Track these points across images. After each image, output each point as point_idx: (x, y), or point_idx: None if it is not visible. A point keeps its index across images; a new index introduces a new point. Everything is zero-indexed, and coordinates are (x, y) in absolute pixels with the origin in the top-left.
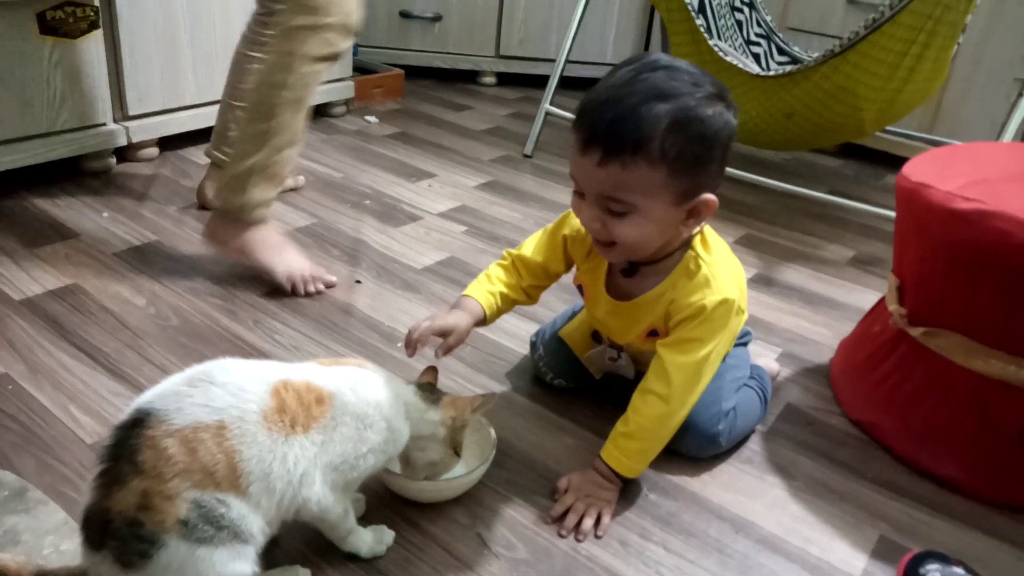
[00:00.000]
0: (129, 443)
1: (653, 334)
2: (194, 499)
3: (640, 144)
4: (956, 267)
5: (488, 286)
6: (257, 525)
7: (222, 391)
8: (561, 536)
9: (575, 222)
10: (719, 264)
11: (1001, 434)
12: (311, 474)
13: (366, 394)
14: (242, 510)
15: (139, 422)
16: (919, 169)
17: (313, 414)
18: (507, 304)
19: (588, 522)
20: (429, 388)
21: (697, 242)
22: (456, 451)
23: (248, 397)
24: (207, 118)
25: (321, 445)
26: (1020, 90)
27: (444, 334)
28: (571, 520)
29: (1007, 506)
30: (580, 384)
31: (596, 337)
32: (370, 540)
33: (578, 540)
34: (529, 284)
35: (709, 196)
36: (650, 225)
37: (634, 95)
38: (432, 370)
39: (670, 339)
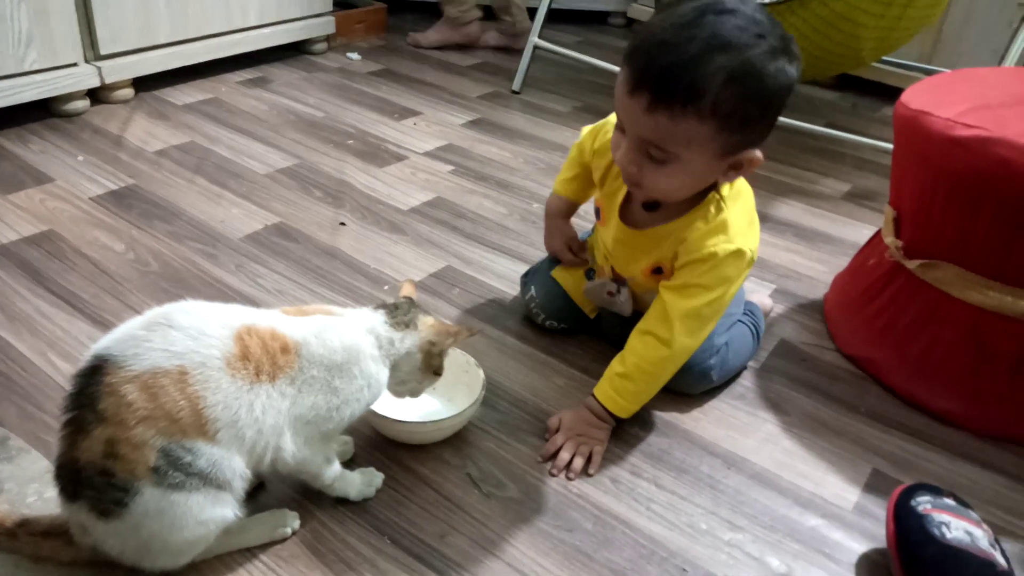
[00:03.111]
0: (89, 391)
1: (657, 271)
2: (162, 447)
3: (693, 97)
4: (955, 196)
5: (568, 175)
6: (232, 471)
7: (182, 335)
8: (552, 475)
9: (604, 138)
10: (740, 212)
11: (996, 366)
12: (282, 427)
13: (334, 342)
14: (213, 456)
15: (97, 369)
16: (918, 96)
17: (279, 363)
18: (585, 181)
19: (579, 461)
20: (404, 306)
21: (724, 185)
22: (436, 372)
23: (209, 342)
24: (183, 56)
25: (291, 398)
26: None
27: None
28: (562, 458)
29: (1000, 437)
30: (572, 325)
31: (590, 276)
32: (359, 483)
33: (568, 478)
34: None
35: (755, 152)
36: (687, 177)
37: (694, 42)
38: (410, 284)
39: (675, 282)
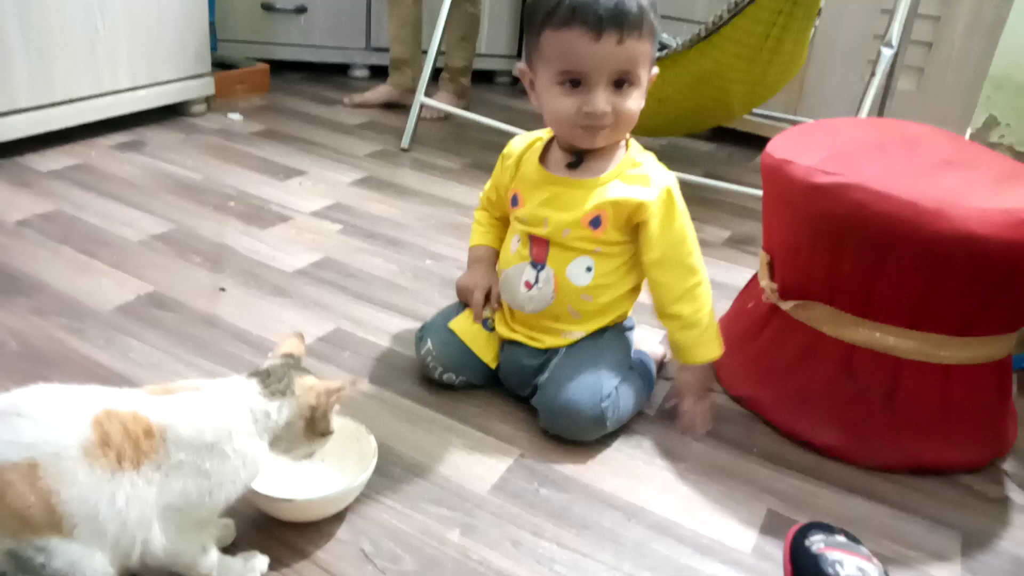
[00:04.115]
0: None
1: (596, 224)
2: (8, 549)
3: (642, 18)
4: (819, 239)
5: (483, 229)
6: (93, 570)
7: (31, 424)
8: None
9: (511, 146)
10: (652, 159)
11: (870, 399)
12: (149, 517)
13: (203, 421)
14: (70, 555)
15: None
16: (782, 146)
17: (143, 449)
18: (502, 234)
19: (704, 420)
20: (279, 371)
21: (633, 140)
22: (324, 433)
23: (63, 429)
24: (47, 121)
25: (158, 485)
26: (872, 70)
27: (489, 292)
28: (698, 424)
29: (880, 468)
30: (471, 378)
31: (487, 325)
32: (240, 569)
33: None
34: (500, 215)
35: (655, 68)
36: (641, 96)
37: None
38: (296, 337)
39: (663, 249)
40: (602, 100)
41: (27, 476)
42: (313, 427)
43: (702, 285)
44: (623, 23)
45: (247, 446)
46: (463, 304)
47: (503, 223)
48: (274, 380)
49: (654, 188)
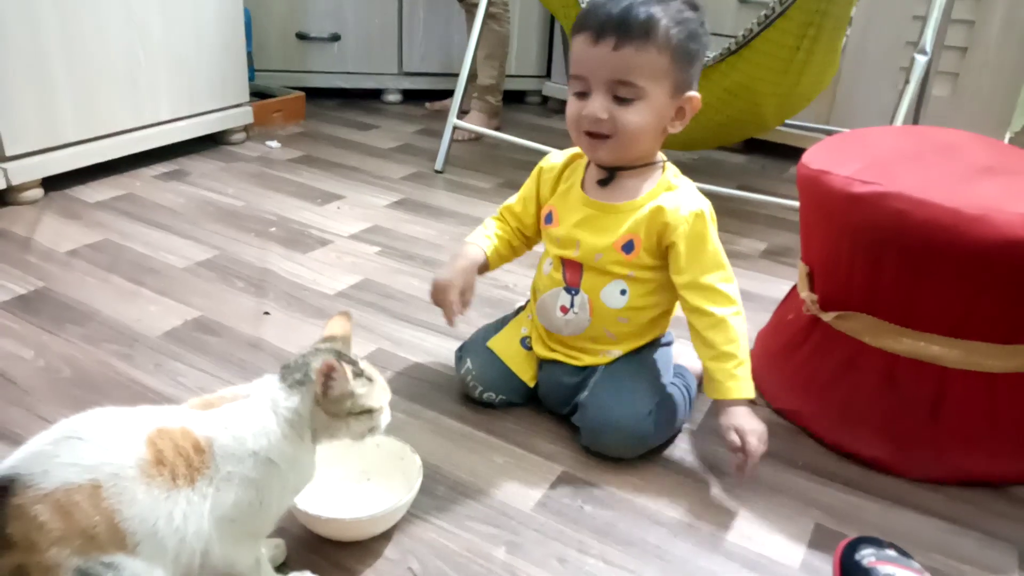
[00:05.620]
0: None
1: (629, 248)
2: (77, 567)
3: (651, 29)
4: (859, 249)
5: (484, 231)
6: None
7: (92, 446)
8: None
9: (549, 160)
10: (688, 184)
11: (914, 409)
12: (206, 531)
13: (243, 430)
14: (135, 571)
15: (3, 490)
16: (818, 157)
17: (194, 464)
18: (505, 246)
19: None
20: (298, 361)
21: (669, 164)
22: (333, 414)
23: (121, 450)
24: (93, 154)
25: (212, 498)
26: (906, 78)
27: (463, 293)
28: (752, 464)
29: (927, 480)
30: (511, 396)
31: (525, 344)
32: None
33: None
34: (517, 226)
35: (694, 93)
36: (651, 114)
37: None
38: (342, 317)
39: (694, 274)
40: (598, 106)
41: (91, 497)
42: (333, 410)
43: (740, 315)
44: (622, 29)
45: (288, 450)
46: (500, 323)
47: (510, 239)
48: (291, 372)
49: (685, 211)
